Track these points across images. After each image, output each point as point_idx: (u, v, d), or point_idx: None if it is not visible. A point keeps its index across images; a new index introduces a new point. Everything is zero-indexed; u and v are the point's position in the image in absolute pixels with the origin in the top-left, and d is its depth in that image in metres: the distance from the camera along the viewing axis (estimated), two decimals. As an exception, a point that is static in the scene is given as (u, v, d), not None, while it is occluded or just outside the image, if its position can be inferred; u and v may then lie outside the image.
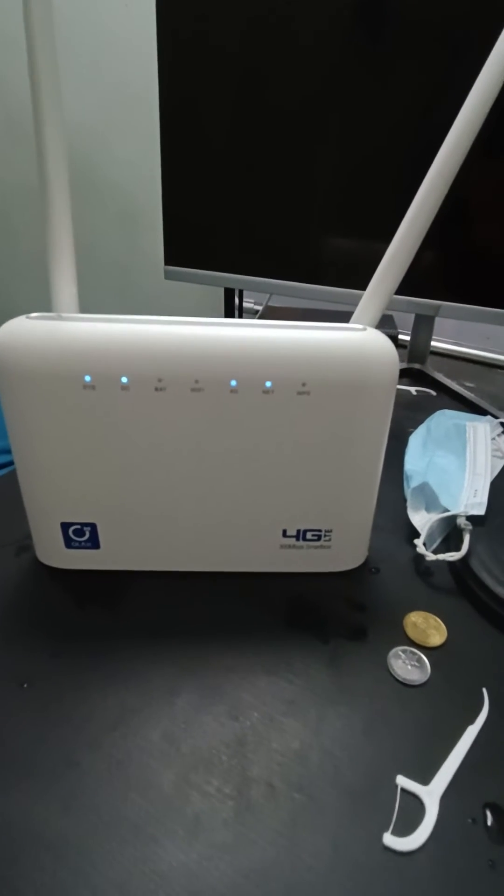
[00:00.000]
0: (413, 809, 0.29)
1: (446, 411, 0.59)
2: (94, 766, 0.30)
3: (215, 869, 0.26)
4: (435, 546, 0.45)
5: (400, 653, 0.37)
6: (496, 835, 0.28)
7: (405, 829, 0.28)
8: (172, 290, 0.95)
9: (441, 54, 0.53)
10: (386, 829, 0.28)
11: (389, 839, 0.27)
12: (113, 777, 0.30)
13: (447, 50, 0.53)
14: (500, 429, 0.57)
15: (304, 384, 0.34)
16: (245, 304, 1.40)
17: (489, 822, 0.28)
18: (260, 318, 1.06)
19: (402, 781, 0.30)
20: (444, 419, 0.57)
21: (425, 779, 0.30)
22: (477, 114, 0.34)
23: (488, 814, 0.29)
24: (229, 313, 1.33)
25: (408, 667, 0.36)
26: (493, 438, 0.54)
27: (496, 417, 0.60)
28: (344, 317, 0.38)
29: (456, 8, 0.51)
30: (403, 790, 0.29)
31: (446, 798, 0.29)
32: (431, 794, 0.29)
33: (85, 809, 0.28)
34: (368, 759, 0.31)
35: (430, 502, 0.46)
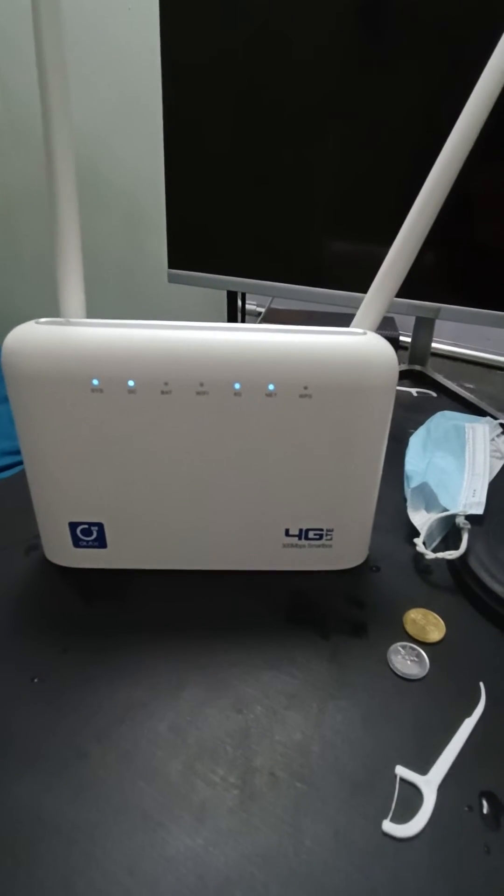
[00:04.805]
0: (411, 798, 0.30)
1: (446, 412, 0.60)
2: (103, 757, 0.31)
3: (221, 854, 0.27)
4: (434, 545, 0.46)
5: (399, 648, 0.38)
6: (491, 822, 0.29)
7: (404, 816, 0.29)
8: (175, 293, 0.97)
9: (441, 58, 0.54)
10: (385, 817, 0.29)
11: (388, 826, 0.28)
12: (121, 766, 0.31)
13: (447, 53, 0.54)
14: (499, 430, 0.58)
15: (305, 387, 0.35)
16: (247, 307, 1.41)
17: (485, 810, 0.29)
18: (262, 320, 1.07)
19: (401, 771, 0.31)
20: (444, 420, 0.58)
21: (423, 769, 0.31)
22: (476, 118, 0.34)
23: (484, 802, 0.30)
24: (232, 316, 1.34)
25: (407, 662, 0.37)
26: (492, 439, 0.55)
27: (495, 418, 0.61)
28: (345, 319, 0.39)
29: (455, 10, 0.52)
30: (402, 780, 0.30)
31: (443, 787, 0.30)
32: (429, 784, 0.30)
33: (94, 797, 0.29)
34: (368, 751, 0.32)
35: (430, 502, 0.47)
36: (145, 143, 1.28)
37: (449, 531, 0.46)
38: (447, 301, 0.63)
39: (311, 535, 0.41)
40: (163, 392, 0.35)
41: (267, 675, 0.36)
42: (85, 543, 0.41)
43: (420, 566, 0.44)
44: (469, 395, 0.72)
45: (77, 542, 0.41)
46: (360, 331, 0.37)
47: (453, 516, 0.45)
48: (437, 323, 0.73)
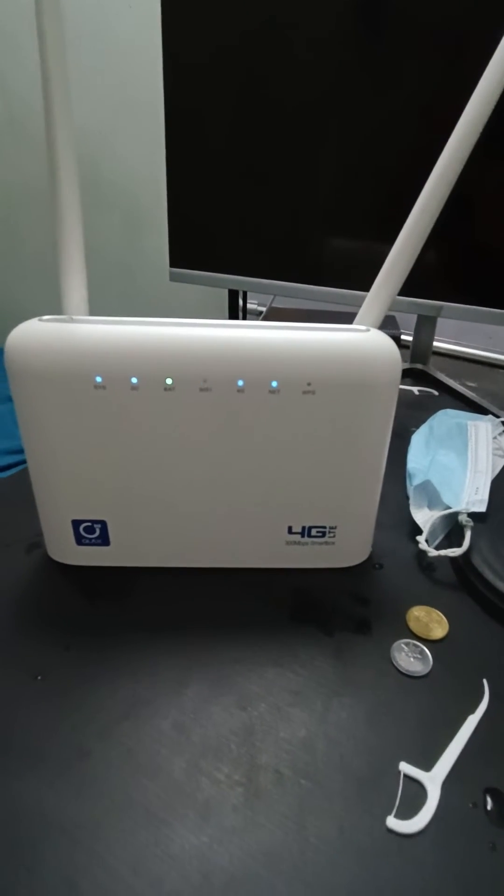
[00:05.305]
0: (416, 795, 0.30)
1: (448, 410, 0.60)
2: (106, 754, 0.31)
3: (226, 851, 0.27)
4: (437, 542, 0.46)
5: (403, 645, 0.38)
6: (496, 818, 0.29)
7: (408, 812, 0.29)
8: (177, 292, 0.96)
9: (442, 57, 0.54)
10: (389, 813, 0.29)
11: (393, 822, 0.28)
12: (124, 764, 0.31)
13: (448, 52, 0.53)
14: (502, 428, 0.58)
15: (309, 384, 0.35)
16: (249, 306, 1.41)
17: (489, 807, 0.29)
18: (264, 319, 1.07)
19: (405, 768, 0.31)
20: (447, 418, 0.58)
21: (427, 765, 0.31)
22: (479, 116, 0.35)
23: (488, 798, 0.30)
24: (233, 314, 1.33)
25: (410, 659, 0.37)
26: (495, 437, 0.55)
27: (497, 416, 0.61)
28: (347, 318, 0.39)
29: (455, 10, 0.52)
30: (406, 776, 0.30)
31: (448, 783, 0.30)
32: (433, 780, 0.30)
33: (98, 795, 0.29)
34: (372, 747, 0.32)
35: (433, 500, 0.47)
36: (146, 142, 1.28)
37: (452, 529, 0.46)
38: (449, 299, 0.63)
39: (314, 532, 0.41)
40: (166, 389, 0.35)
41: (271, 672, 0.36)
42: (88, 541, 0.41)
43: (423, 564, 0.44)
44: (471, 393, 0.72)
45: (80, 540, 0.41)
46: (363, 328, 0.37)
47: (456, 514, 0.45)
48: (439, 321, 0.73)
